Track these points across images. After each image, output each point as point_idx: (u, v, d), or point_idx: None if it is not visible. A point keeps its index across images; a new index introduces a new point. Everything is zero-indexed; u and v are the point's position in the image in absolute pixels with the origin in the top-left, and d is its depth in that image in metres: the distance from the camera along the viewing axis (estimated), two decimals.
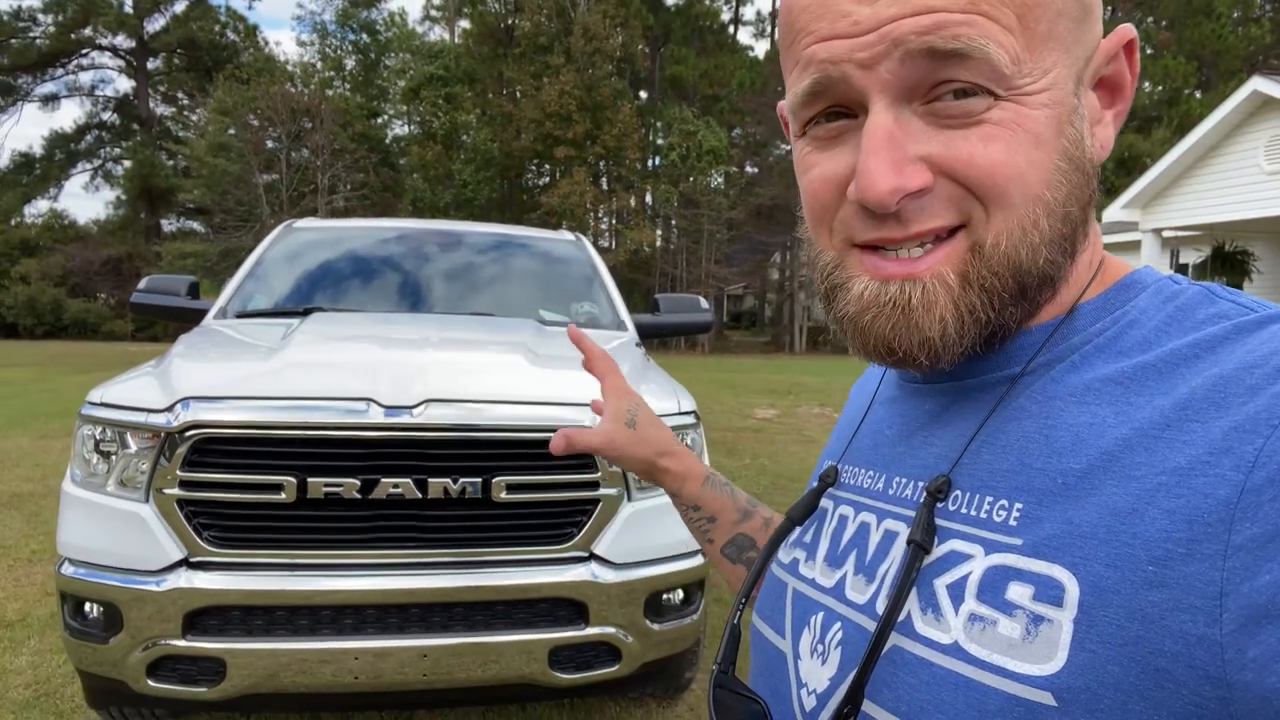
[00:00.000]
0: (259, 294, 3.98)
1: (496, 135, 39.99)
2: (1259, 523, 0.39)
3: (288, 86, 37.81)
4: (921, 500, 0.54)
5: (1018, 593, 0.45)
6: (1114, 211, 14.60)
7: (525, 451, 2.55)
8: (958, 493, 0.52)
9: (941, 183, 0.49)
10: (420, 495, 2.45)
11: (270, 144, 36.36)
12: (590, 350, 0.95)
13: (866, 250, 0.53)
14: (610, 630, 2.60)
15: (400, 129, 46.42)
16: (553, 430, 2.51)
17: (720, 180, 41.18)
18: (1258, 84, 11.93)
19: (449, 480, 2.47)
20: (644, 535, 2.69)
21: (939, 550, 0.50)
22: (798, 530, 0.68)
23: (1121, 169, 35.66)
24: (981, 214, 0.50)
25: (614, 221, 43.07)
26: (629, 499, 2.68)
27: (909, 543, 0.51)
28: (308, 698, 2.48)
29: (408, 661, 2.43)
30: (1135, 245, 15.65)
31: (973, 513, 0.50)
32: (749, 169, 44.14)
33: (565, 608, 2.58)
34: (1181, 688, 0.39)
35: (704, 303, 4.36)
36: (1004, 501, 0.49)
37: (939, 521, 0.52)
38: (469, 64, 41.74)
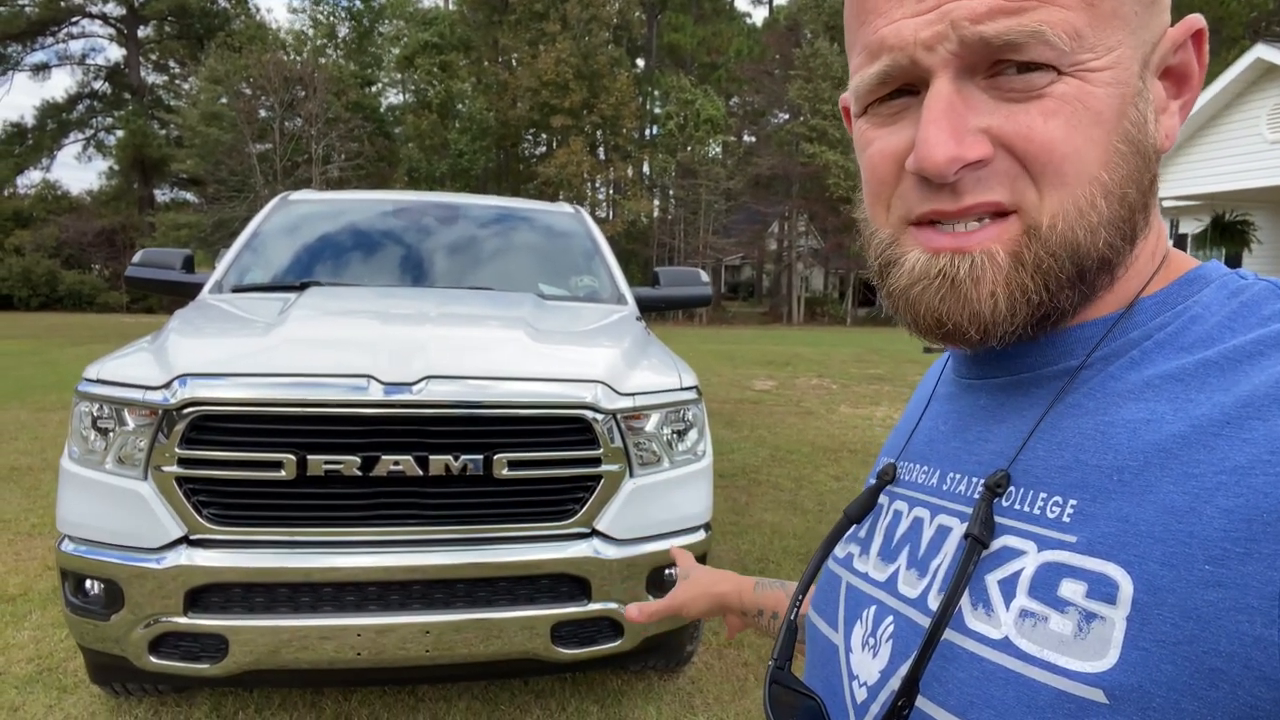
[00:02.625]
0: (255, 268, 3.94)
1: (492, 104, 39.63)
2: None
3: (280, 54, 37.37)
4: (978, 495, 0.54)
5: (1070, 589, 0.45)
6: None
7: (527, 428, 2.53)
8: (1012, 489, 0.52)
9: (1001, 156, 0.49)
10: (421, 472, 2.43)
11: (263, 113, 35.99)
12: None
13: (921, 226, 0.53)
14: (612, 606, 2.60)
15: (395, 98, 46.00)
16: (555, 406, 2.53)
17: (718, 150, 40.92)
18: (1261, 52, 11.80)
19: (450, 457, 2.45)
20: (646, 511, 2.68)
21: (992, 545, 0.50)
22: (853, 526, 0.68)
23: None
24: (1035, 198, 0.49)
25: (611, 191, 42.84)
26: (631, 475, 2.67)
27: (966, 536, 0.51)
28: (310, 674, 2.48)
29: (410, 638, 2.43)
30: None
31: (1026, 509, 0.50)
32: (747, 138, 43.84)
33: (567, 584, 2.58)
34: (1237, 688, 0.39)
35: (704, 276, 4.33)
36: (1058, 498, 0.48)
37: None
38: (464, 31, 41.27)
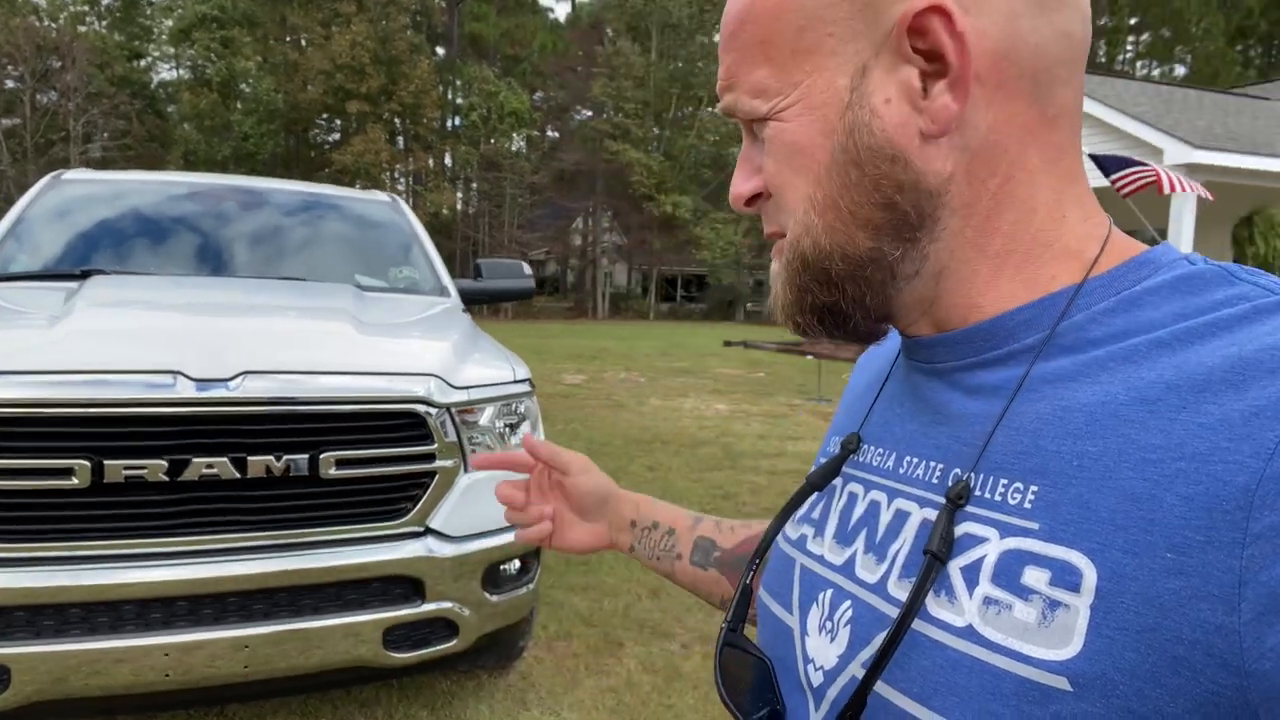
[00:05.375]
0: (22, 255, 3.50)
1: (281, 85, 37.30)
2: (1279, 511, 0.39)
3: (31, 19, 33.37)
4: (935, 480, 0.54)
5: (1034, 577, 0.45)
6: None
7: (356, 425, 2.42)
8: (971, 475, 0.51)
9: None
10: (239, 475, 2.26)
11: (10, 84, 32.04)
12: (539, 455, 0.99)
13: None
14: (448, 605, 2.53)
15: (168, 73, 42.28)
16: (387, 401, 2.43)
17: (522, 144, 40.67)
18: None
19: (271, 458, 2.29)
20: (482, 506, 2.63)
21: (954, 531, 0.50)
22: (805, 506, 0.67)
23: None
24: (783, 220, 0.58)
25: (411, 182, 41.53)
26: (465, 470, 2.61)
27: (925, 552, 0.50)
28: (114, 700, 2.24)
29: (224, 654, 2.25)
30: None
31: (987, 495, 0.50)
32: (551, 134, 43.89)
33: (400, 585, 2.49)
34: (1199, 675, 0.40)
35: (527, 268, 4.30)
36: (1019, 484, 0.48)
37: None
38: (248, 5, 38.55)
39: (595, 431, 8.39)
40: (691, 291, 44.52)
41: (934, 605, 0.49)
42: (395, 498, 2.50)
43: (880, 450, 0.62)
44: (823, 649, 0.57)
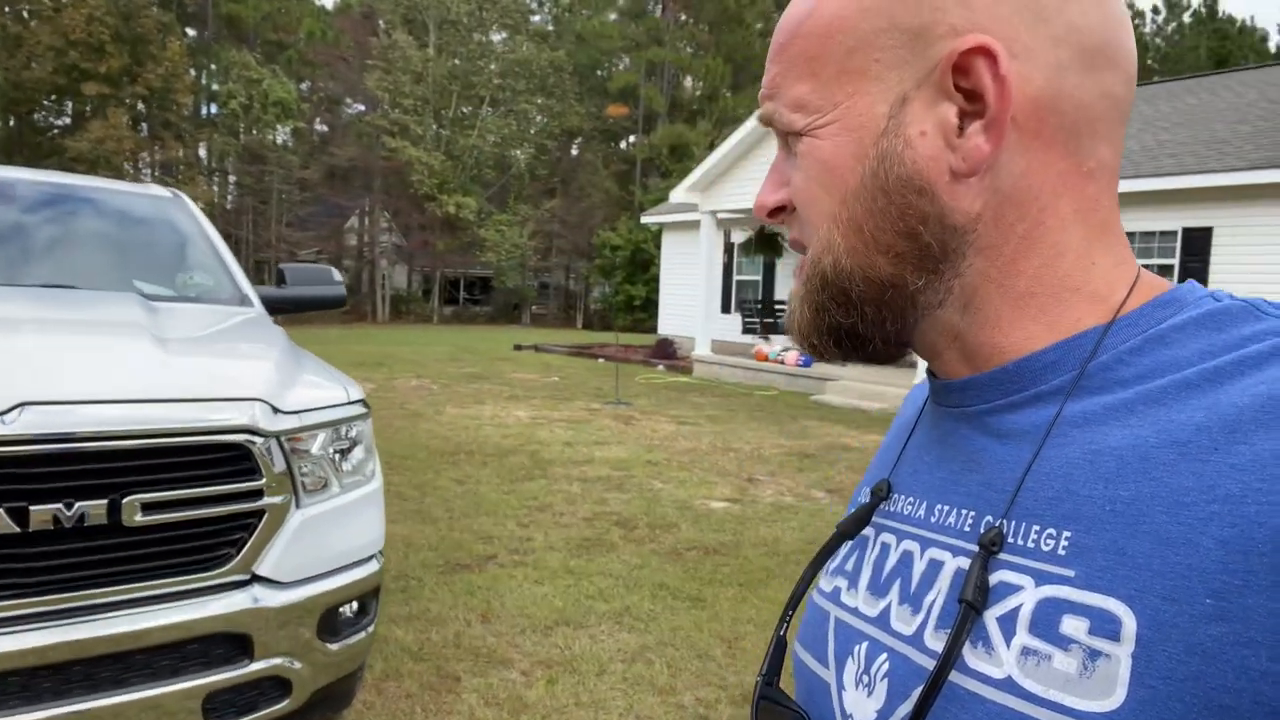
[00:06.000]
0: None
1: (1, 62, 32.69)
2: None
3: None
4: (967, 528, 0.53)
5: (1072, 626, 0.45)
6: (679, 194, 16.22)
7: (167, 462, 2.06)
8: (1003, 521, 0.51)
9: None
10: (17, 529, 1.86)
11: None
12: None
13: None
14: (279, 661, 2.23)
15: None
16: (206, 432, 2.10)
17: (288, 136, 38.19)
18: None
19: (59, 506, 1.91)
20: (316, 545, 2.34)
21: (989, 580, 0.50)
22: (839, 558, 0.66)
23: (674, 155, 39.87)
24: (806, 235, 0.58)
25: (158, 173, 37.79)
26: (297, 506, 2.31)
27: (960, 601, 0.49)
28: None
29: None
30: (696, 224, 17.55)
31: (1019, 541, 0.49)
32: (322, 127, 41.52)
33: (223, 644, 2.16)
34: None
35: (337, 274, 3.93)
36: (1051, 530, 0.48)
37: None
38: None
39: (394, 444, 7.95)
40: (475, 294, 43.69)
41: (971, 657, 0.48)
42: (216, 544, 2.16)
43: (911, 499, 0.61)
44: (860, 704, 0.56)
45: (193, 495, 2.09)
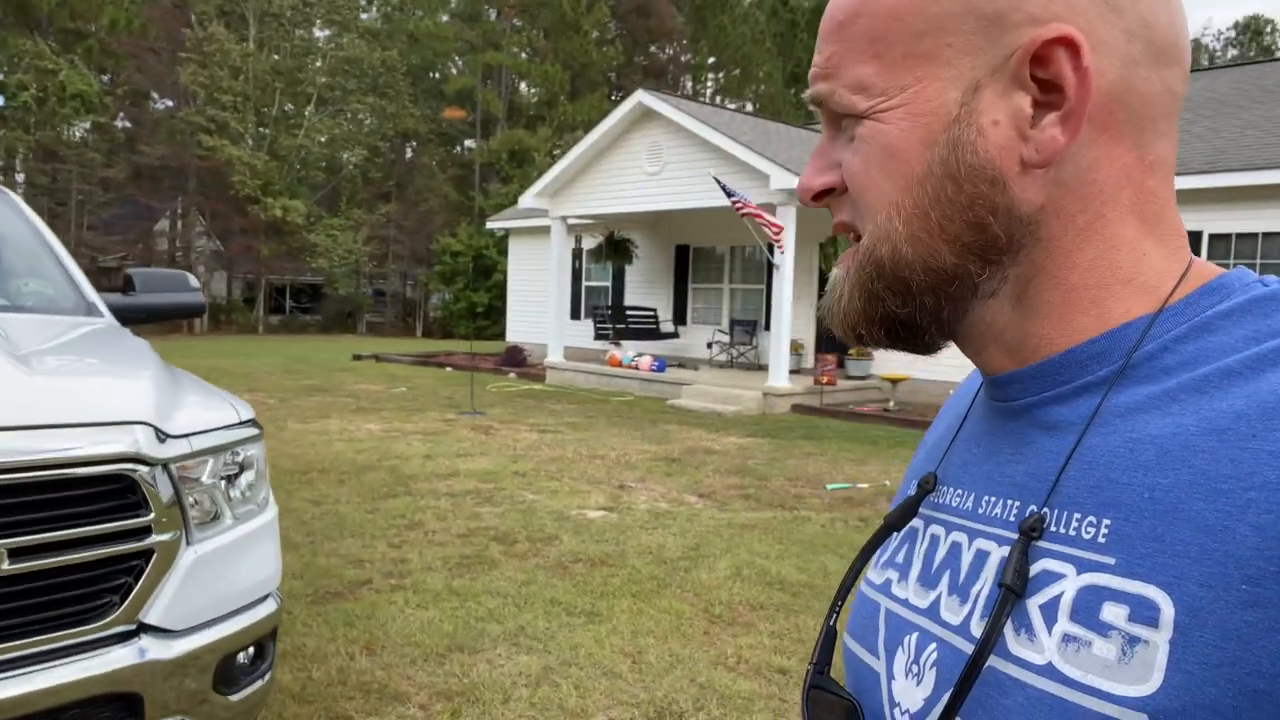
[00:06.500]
0: None
1: None
2: None
3: None
4: (1013, 517, 0.54)
5: (1113, 613, 0.45)
6: (528, 199, 15.97)
7: (34, 500, 1.76)
8: (1045, 510, 0.52)
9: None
10: None
11: None
12: None
13: None
14: None
15: None
16: (84, 463, 1.80)
17: (89, 132, 35.02)
18: (641, 97, 13.97)
19: None
20: (210, 586, 2.08)
21: (1030, 570, 0.51)
22: (888, 551, 0.67)
23: (514, 160, 39.46)
24: (860, 220, 0.57)
25: None
26: (188, 542, 2.03)
27: (1000, 585, 0.50)
28: None
29: None
30: (544, 230, 17.38)
31: (1061, 530, 0.50)
32: (127, 123, 38.29)
33: (109, 707, 1.86)
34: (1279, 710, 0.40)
35: (193, 279, 3.54)
36: (1092, 518, 0.49)
37: None
38: None
39: None
40: (305, 302, 41.43)
41: (1014, 643, 0.49)
42: (96, 591, 1.87)
43: (959, 491, 0.62)
44: (909, 692, 0.57)
45: (67, 538, 1.79)
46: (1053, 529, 0.51)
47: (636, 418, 11.34)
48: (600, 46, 44.87)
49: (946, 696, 0.52)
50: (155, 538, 1.93)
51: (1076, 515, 0.50)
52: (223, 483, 2.18)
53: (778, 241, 11.55)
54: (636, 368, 14.53)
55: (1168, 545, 0.44)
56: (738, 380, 13.17)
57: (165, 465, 1.96)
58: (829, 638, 0.65)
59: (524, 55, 44.48)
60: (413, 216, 37.84)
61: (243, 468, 2.30)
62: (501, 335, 27.81)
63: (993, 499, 0.57)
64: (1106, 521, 0.48)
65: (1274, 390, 0.44)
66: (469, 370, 16.77)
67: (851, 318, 0.58)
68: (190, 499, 2.05)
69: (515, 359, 17.84)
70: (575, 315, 18.13)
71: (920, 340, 0.58)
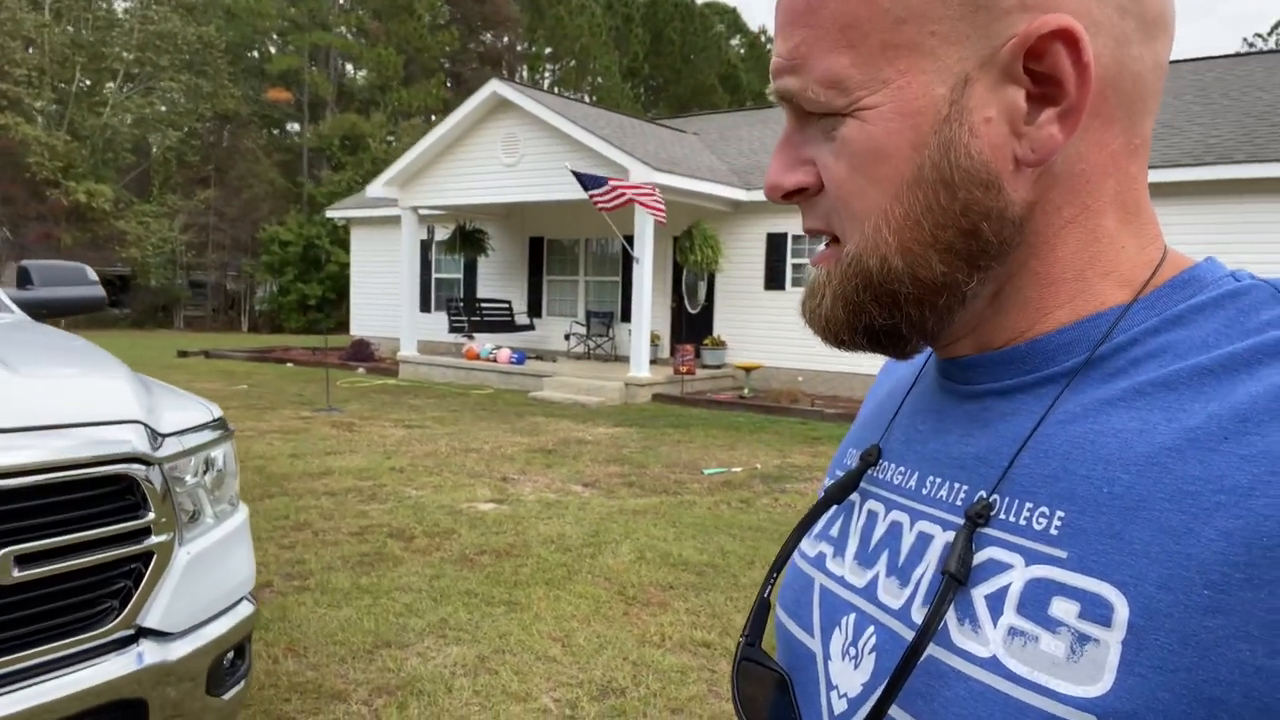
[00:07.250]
0: None
1: None
2: None
3: None
4: (959, 502, 0.52)
5: (1062, 609, 0.43)
6: (377, 188, 15.44)
7: (33, 505, 1.68)
8: (994, 498, 0.49)
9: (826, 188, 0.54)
10: None
11: None
12: None
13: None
14: None
15: None
16: (82, 465, 1.75)
17: None
18: (497, 87, 13.77)
19: None
20: (200, 586, 2.03)
21: (976, 558, 0.48)
22: (822, 523, 0.65)
23: (346, 146, 37.88)
24: (841, 226, 0.53)
25: None
26: (180, 543, 1.98)
27: (943, 573, 0.48)
28: None
29: None
30: (391, 220, 16.88)
31: (1011, 519, 0.48)
32: None
33: (111, 717, 1.80)
34: (1236, 718, 0.38)
35: (91, 273, 3.32)
36: (1044, 509, 0.46)
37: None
38: None
39: None
40: (114, 295, 38.25)
41: (958, 634, 0.48)
42: (96, 597, 1.80)
43: (902, 469, 0.59)
44: (847, 675, 0.56)
45: (68, 543, 1.72)
46: (1001, 516, 0.49)
47: (501, 410, 11.30)
48: (434, 31, 43.72)
49: (885, 684, 0.50)
50: (155, 539, 1.88)
51: (1029, 505, 0.47)
52: (205, 482, 2.12)
53: (661, 220, 11.69)
54: (495, 360, 14.42)
55: (1125, 543, 0.42)
56: (598, 371, 13.35)
57: (160, 465, 1.90)
58: (762, 609, 0.63)
59: (351, 36, 42.71)
60: (235, 203, 35.62)
61: (218, 468, 2.24)
62: (337, 329, 26.77)
63: (938, 480, 0.55)
64: (1060, 513, 0.46)
65: (1248, 392, 0.42)
66: (313, 366, 16.11)
67: (834, 326, 0.55)
68: (180, 499, 1.99)
69: (363, 353, 17.26)
70: (426, 308, 17.73)
71: (903, 348, 0.56)
